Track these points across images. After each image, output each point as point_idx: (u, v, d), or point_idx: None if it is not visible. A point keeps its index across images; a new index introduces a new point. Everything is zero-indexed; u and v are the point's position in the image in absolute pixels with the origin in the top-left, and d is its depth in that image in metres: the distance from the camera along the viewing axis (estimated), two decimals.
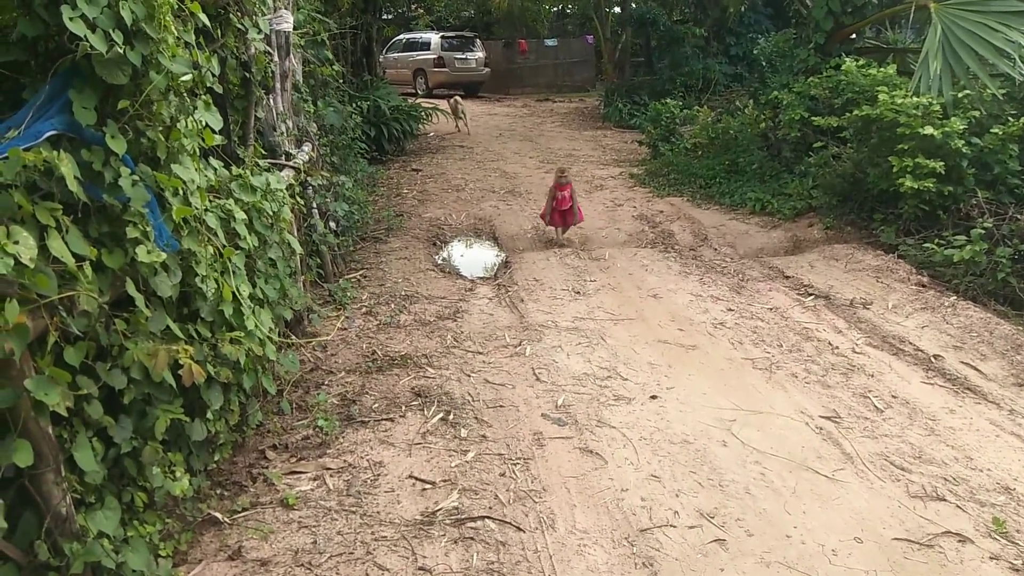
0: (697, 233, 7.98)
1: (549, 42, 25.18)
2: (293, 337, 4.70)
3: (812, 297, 5.88)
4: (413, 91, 20.27)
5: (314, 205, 5.44)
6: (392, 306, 5.70)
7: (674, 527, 3.09)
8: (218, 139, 2.94)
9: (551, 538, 3.03)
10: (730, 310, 5.66)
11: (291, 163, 4.85)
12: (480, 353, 4.91)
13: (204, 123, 2.71)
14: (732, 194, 9.02)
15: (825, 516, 3.16)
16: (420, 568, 2.84)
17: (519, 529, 3.09)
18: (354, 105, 9.07)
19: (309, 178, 5.12)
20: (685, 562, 2.88)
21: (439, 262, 7.14)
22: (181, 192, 2.63)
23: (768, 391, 4.32)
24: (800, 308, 5.68)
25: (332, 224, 6.13)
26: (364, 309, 5.63)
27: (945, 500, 3.27)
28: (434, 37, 21.89)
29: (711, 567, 2.85)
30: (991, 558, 2.92)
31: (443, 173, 10.90)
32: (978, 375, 4.55)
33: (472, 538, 3.03)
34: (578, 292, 6.15)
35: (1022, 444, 3.78)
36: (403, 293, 6.01)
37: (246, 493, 3.27)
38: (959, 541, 3.01)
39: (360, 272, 6.48)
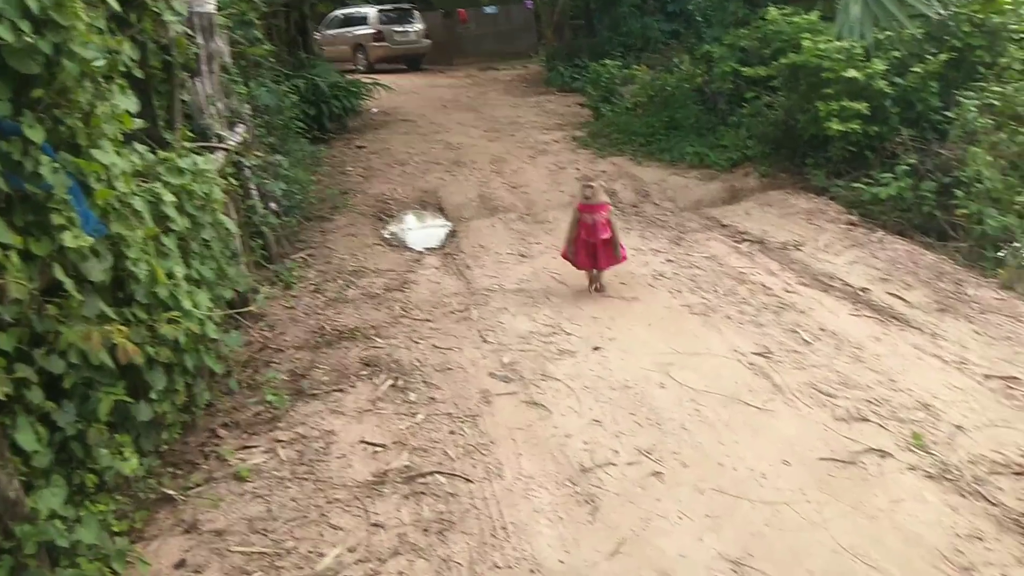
0: (639, 190, 8.12)
1: (489, 10, 24.97)
2: (239, 319, 4.75)
3: (747, 243, 6.08)
4: (354, 67, 19.97)
5: (252, 186, 5.43)
6: (339, 282, 5.74)
7: (614, 465, 3.25)
8: (138, 123, 2.95)
9: (498, 486, 3.17)
10: (669, 261, 5.83)
11: (223, 145, 4.84)
12: (428, 320, 5.01)
13: (122, 108, 2.73)
14: (671, 150, 9.17)
15: (756, 444, 3.34)
16: (373, 524, 2.96)
17: (468, 480, 3.22)
18: (290, 84, 8.97)
19: (243, 159, 5.11)
20: (624, 496, 3.04)
21: (386, 236, 7.17)
22: (105, 177, 2.65)
23: (704, 334, 4.50)
24: (736, 254, 5.87)
25: (273, 205, 6.13)
26: (311, 287, 5.66)
27: (868, 420, 3.49)
28: (371, 11, 21.53)
29: (648, 498, 3.02)
30: (909, 469, 3.13)
31: (387, 148, 10.86)
32: (903, 304, 4.78)
33: (423, 493, 3.15)
34: (523, 255, 6.26)
35: (943, 365, 4.01)
36: (350, 268, 6.06)
37: (199, 470, 3.33)
38: (880, 456, 3.22)
39: (306, 252, 6.48)
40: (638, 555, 2.71)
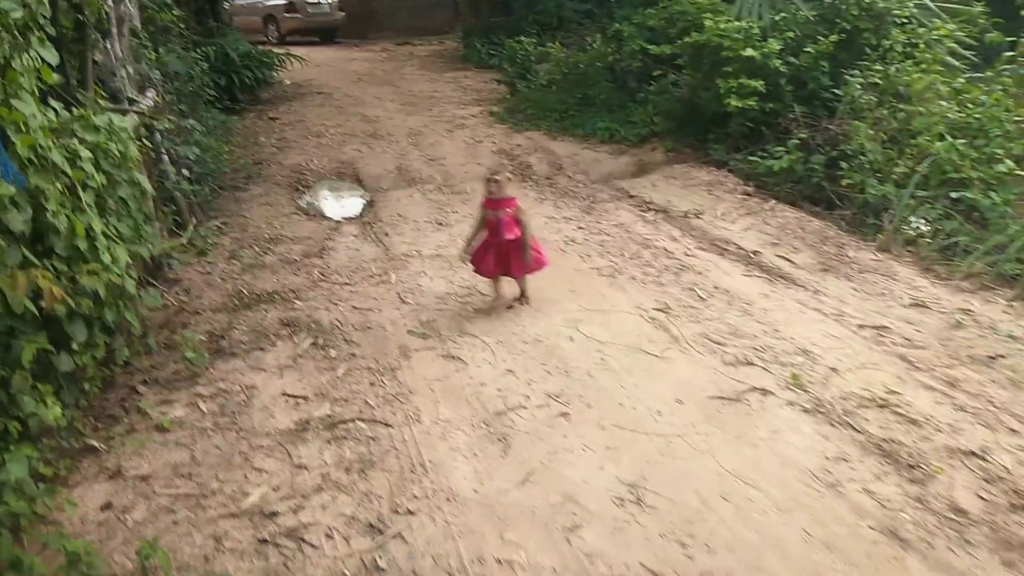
0: (553, 163, 8.38)
1: None
2: (155, 283, 4.75)
3: (652, 212, 6.42)
4: (265, 39, 19.48)
5: (164, 151, 5.39)
6: (256, 249, 5.77)
7: (525, 408, 3.49)
8: (56, 78, 2.97)
9: (417, 429, 3.36)
10: (580, 228, 6.11)
11: (135, 108, 4.80)
12: (347, 284, 5.12)
13: (41, 60, 2.75)
14: (584, 125, 9.46)
15: (653, 386, 3.65)
16: (297, 466, 3.10)
17: (387, 425, 3.39)
18: (200, 52, 8.79)
19: (155, 123, 5.08)
20: (534, 434, 3.29)
21: (303, 206, 7.18)
22: (24, 129, 2.68)
23: (610, 293, 4.79)
24: (642, 222, 6.20)
25: (185, 172, 6.08)
26: (227, 253, 5.67)
27: (753, 364, 3.84)
28: None
29: (556, 434, 3.28)
30: (787, 404, 3.49)
31: (302, 120, 10.76)
32: (790, 265, 5.20)
33: (344, 437, 3.31)
34: (441, 224, 6.42)
35: (822, 317, 4.42)
36: (267, 236, 6.08)
37: (120, 423, 3.40)
38: (762, 394, 3.57)
39: (220, 220, 6.45)
40: (545, 483, 2.96)
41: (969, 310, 4.35)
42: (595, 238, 5.86)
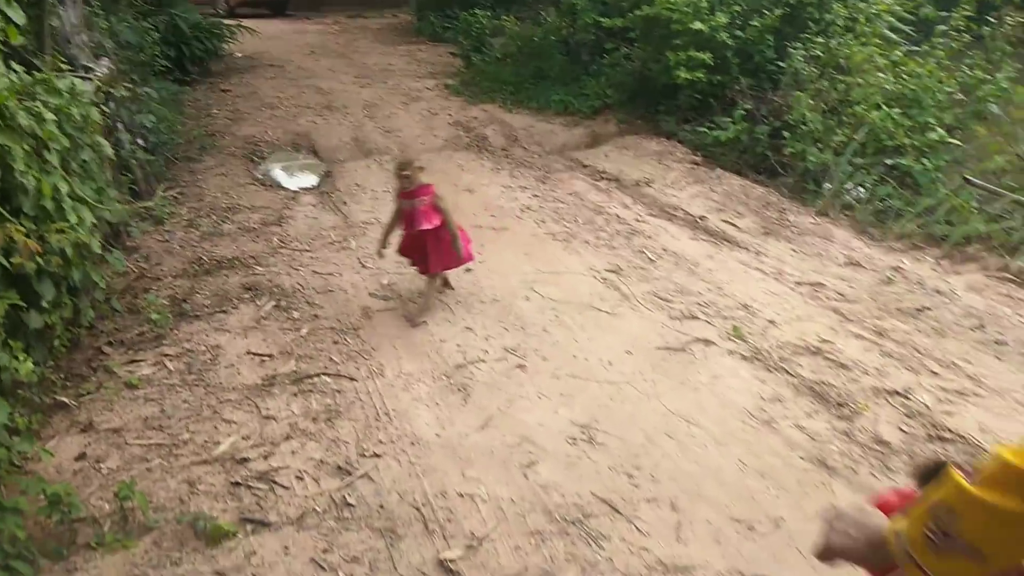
0: (508, 135, 8.51)
1: None
2: (115, 249, 4.78)
3: (605, 181, 6.63)
4: (213, 11, 19.06)
5: (120, 118, 5.39)
6: (213, 217, 5.81)
7: (484, 361, 3.67)
8: (22, 40, 3.01)
9: (381, 382, 3.52)
10: (535, 196, 6.28)
11: (91, 75, 4.79)
12: (307, 250, 5.21)
13: (7, 21, 2.79)
14: (539, 98, 9.60)
15: (604, 340, 3.86)
16: (265, 417, 3.24)
17: (352, 379, 3.54)
18: (149, 21, 8.66)
19: (112, 90, 5.07)
20: (492, 384, 3.48)
21: (259, 176, 7.19)
22: None
23: (565, 256, 4.98)
24: (595, 191, 6.40)
25: (140, 141, 6.06)
26: (184, 222, 5.70)
27: (697, 318, 4.08)
28: None
29: (513, 384, 3.47)
30: (728, 353, 3.74)
31: (255, 92, 10.66)
32: (735, 229, 5.46)
33: (310, 391, 3.45)
34: None
35: (763, 276, 4.68)
36: (224, 206, 6.11)
37: (89, 381, 3.47)
38: (705, 344, 3.81)
39: (176, 190, 6.45)
40: (503, 427, 3.15)
41: (900, 268, 4.66)
42: (550, 206, 6.04)
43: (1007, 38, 6.58)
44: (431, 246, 4.08)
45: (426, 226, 3.98)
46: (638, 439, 3.04)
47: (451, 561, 2.42)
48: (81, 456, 2.94)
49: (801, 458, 2.92)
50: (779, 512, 2.62)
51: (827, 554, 1.25)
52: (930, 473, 1.20)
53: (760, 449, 2.96)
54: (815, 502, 2.65)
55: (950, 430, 3.03)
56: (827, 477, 2.80)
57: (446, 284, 4.44)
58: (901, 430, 3.08)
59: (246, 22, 14.09)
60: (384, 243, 4.21)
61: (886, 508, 1.26)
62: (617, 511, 2.64)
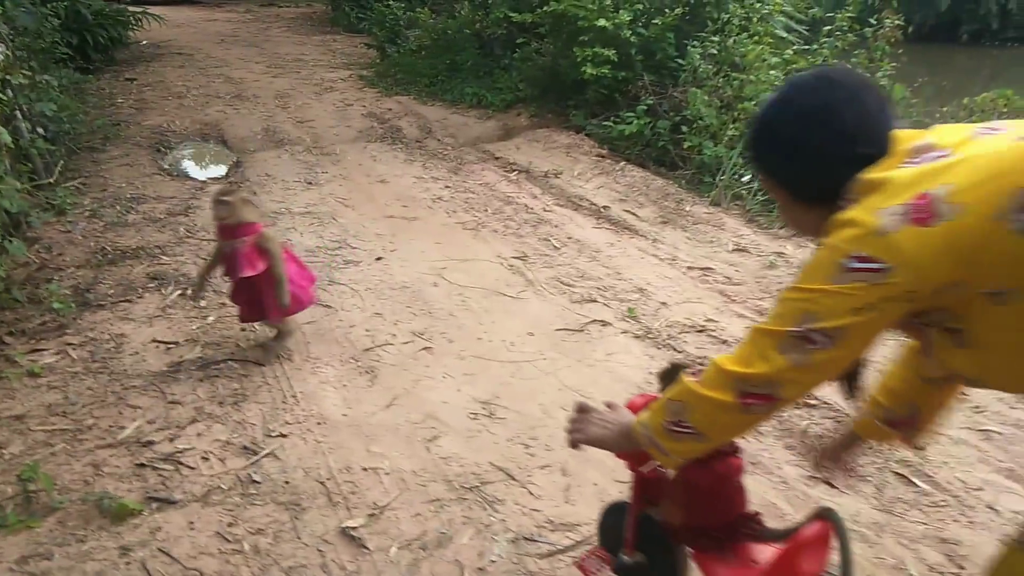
0: (423, 127, 8.60)
1: None
2: (13, 240, 4.67)
3: (516, 172, 6.82)
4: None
5: (17, 106, 5.24)
6: (118, 208, 5.71)
7: (391, 344, 3.80)
8: None
9: (288, 367, 3.60)
10: (447, 187, 6.42)
11: None
12: (215, 240, 5.19)
13: None
14: (453, 91, 9.72)
15: (508, 323, 4.04)
16: (170, 402, 3.28)
17: (259, 364, 3.61)
18: (49, 7, 8.36)
19: (8, 77, 4.94)
20: (399, 366, 3.61)
21: (166, 167, 7.08)
22: None
23: (474, 244, 5.14)
24: (506, 182, 6.58)
25: (40, 130, 5.90)
26: (87, 212, 5.59)
27: (596, 301, 4.31)
28: None
29: (419, 365, 3.61)
30: (622, 333, 3.98)
31: (161, 81, 10.41)
32: (635, 218, 5.73)
33: (217, 376, 3.50)
34: (310, 183, 6.55)
35: (658, 261, 4.95)
36: (128, 196, 6.01)
37: None
38: (602, 325, 4.04)
39: (78, 180, 6.29)
40: (409, 405, 3.29)
41: (783, 253, 5.01)
42: (461, 196, 6.19)
43: (886, 38, 7.09)
44: (266, 292, 3.45)
45: (248, 272, 3.35)
46: (535, 413, 3.23)
47: (353, 529, 2.55)
48: None
49: None
50: None
51: (583, 442, 1.63)
52: (669, 375, 1.59)
53: None
54: None
55: (815, 397, 3.34)
56: None
57: (279, 335, 3.72)
58: None
59: (153, 9, 13.65)
60: (201, 287, 3.71)
61: (634, 408, 1.63)
62: (512, 478, 2.82)
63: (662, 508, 1.77)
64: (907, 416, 1.70)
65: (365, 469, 2.87)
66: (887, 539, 2.54)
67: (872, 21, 7.03)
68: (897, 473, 2.85)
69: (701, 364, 3.50)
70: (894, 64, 6.74)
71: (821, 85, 1.43)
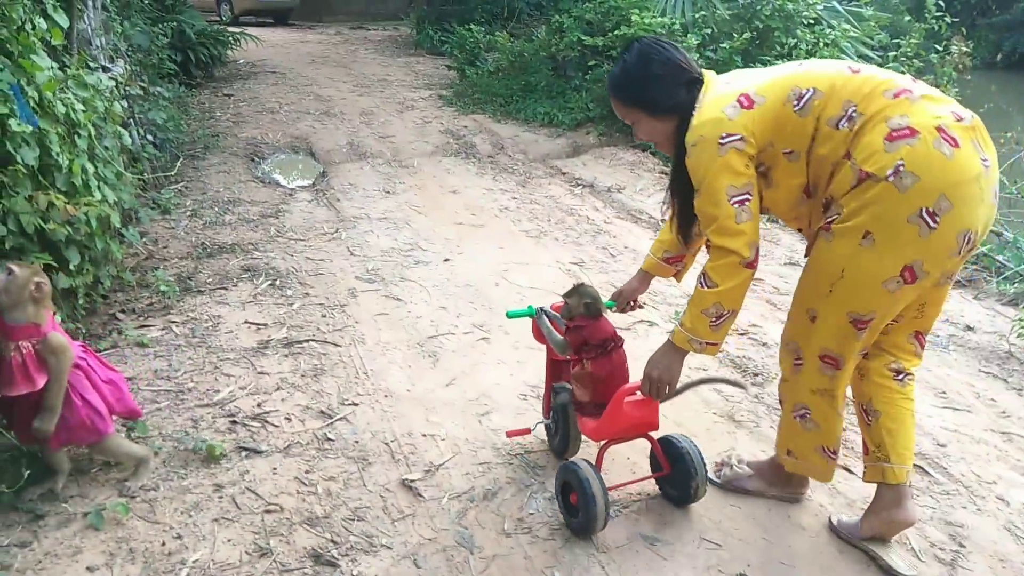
0: (495, 143, 9.05)
1: None
2: (124, 235, 5.28)
3: (580, 187, 7.16)
4: (218, 18, 19.66)
5: (133, 114, 5.90)
6: (216, 209, 6.31)
7: (453, 334, 4.17)
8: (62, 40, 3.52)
9: (362, 348, 4.01)
10: (514, 199, 6.81)
11: (110, 74, 5.31)
12: (301, 240, 5.72)
13: (53, 23, 3.30)
14: (526, 110, 10.16)
15: None
16: (259, 372, 3.72)
17: (337, 345, 4.03)
18: (160, 27, 9.20)
19: (128, 88, 5.59)
20: (459, 352, 3.98)
21: (259, 174, 7.71)
22: (34, 81, 3.24)
23: (534, 250, 5.50)
24: (570, 195, 6.93)
25: (150, 137, 6.57)
26: (189, 212, 6.20)
27: (644, 305, 4.58)
28: None
29: (477, 353, 3.97)
30: (667, 332, 4.21)
31: (256, 97, 11.21)
32: None
33: (299, 353, 3.94)
34: (388, 192, 7.04)
35: None
36: (225, 199, 6.61)
37: (105, 340, 3.96)
38: (649, 325, 4.32)
39: (181, 184, 6.95)
40: (465, 385, 3.65)
41: None
42: (526, 207, 6.56)
43: (952, 64, 7.15)
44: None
45: (21, 389, 2.49)
46: None
47: (411, 481, 2.91)
48: None
49: (714, 413, 3.42)
50: None
51: (669, 391, 2.55)
52: (571, 292, 2.75)
53: (679, 404, 3.44)
54: (719, 446, 3.15)
55: None
56: (733, 428, 3.29)
57: (136, 471, 2.88)
58: None
59: (250, 30, 14.70)
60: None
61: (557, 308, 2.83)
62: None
63: (574, 389, 2.75)
64: (675, 255, 2.92)
65: (424, 435, 3.23)
66: None
67: (938, 48, 7.12)
68: (915, 465, 3.02)
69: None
70: (956, 90, 6.80)
71: (648, 42, 2.39)
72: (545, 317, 2.77)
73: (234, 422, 3.29)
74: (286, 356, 3.90)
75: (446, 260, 5.29)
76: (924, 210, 1.97)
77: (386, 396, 3.53)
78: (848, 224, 2.09)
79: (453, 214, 6.36)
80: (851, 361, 2.31)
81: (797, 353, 2.43)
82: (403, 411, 3.41)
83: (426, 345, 4.04)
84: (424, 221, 6.17)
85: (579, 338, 2.65)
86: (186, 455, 3.04)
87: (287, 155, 8.64)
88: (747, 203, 2.17)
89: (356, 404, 3.45)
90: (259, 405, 3.43)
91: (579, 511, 2.53)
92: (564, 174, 7.66)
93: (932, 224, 1.97)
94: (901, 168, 1.96)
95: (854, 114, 2.07)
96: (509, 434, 3.04)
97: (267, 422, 3.30)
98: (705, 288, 2.28)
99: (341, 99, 11.35)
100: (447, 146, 8.94)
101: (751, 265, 2.23)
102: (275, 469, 2.98)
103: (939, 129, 1.97)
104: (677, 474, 2.70)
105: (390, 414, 3.39)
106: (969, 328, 4.40)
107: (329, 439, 3.18)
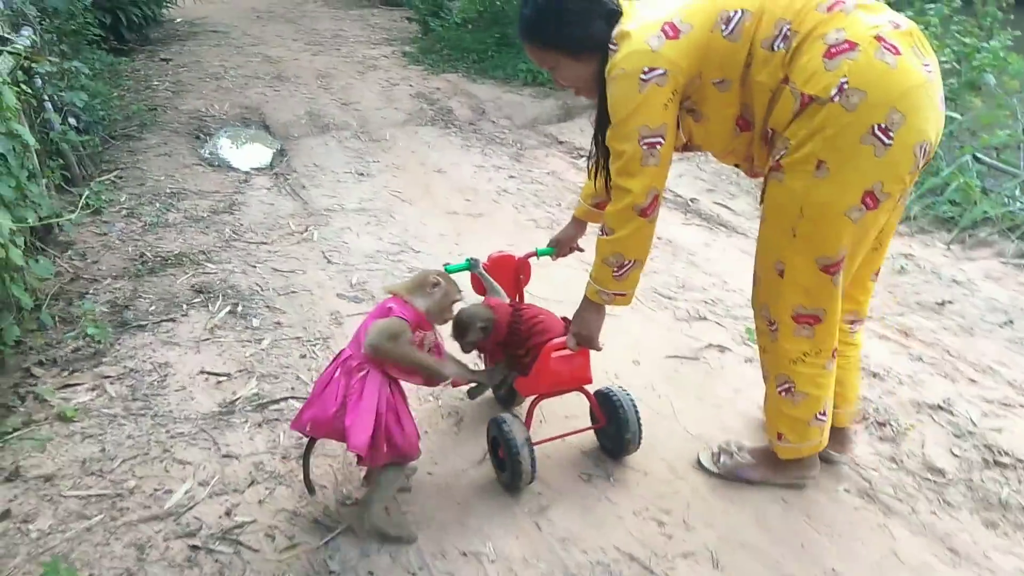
0: (475, 108, 8.01)
1: None
2: (45, 248, 4.22)
3: (584, 159, 6.18)
4: None
5: (46, 97, 4.76)
6: (157, 205, 5.23)
7: None
8: None
9: None
10: (512, 177, 5.84)
11: (8, 48, 4.17)
12: (264, 243, 4.71)
13: None
14: (505, 67, 9.09)
15: (607, 344, 3.46)
16: (224, 456, 2.77)
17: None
18: None
19: (35, 65, 4.45)
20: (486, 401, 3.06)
21: (206, 156, 6.58)
22: None
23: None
24: (575, 170, 5.98)
25: (72, 120, 5.43)
26: (125, 211, 5.12)
27: (706, 319, 3.72)
28: None
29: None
30: (746, 361, 3.38)
31: (198, 61, 9.91)
32: (729, 212, 5.10)
33: (276, 419, 2.99)
34: (362, 174, 6.01)
35: None
36: (168, 191, 5.53)
37: (16, 414, 2.96)
38: (720, 351, 3.45)
39: (114, 173, 5.82)
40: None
41: (910, 255, 4.36)
42: (528, 188, 5.60)
43: (997, 3, 6.29)
44: None
45: None
46: (662, 472, 2.66)
47: None
48: (5, 515, 2.45)
49: (847, 491, 2.57)
50: (832, 564, 2.27)
51: (590, 343, 2.47)
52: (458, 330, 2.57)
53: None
54: (873, 551, 2.31)
55: (1006, 452, 2.72)
56: (882, 517, 2.45)
57: None
58: (953, 454, 2.75)
59: None
60: None
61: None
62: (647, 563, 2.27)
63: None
64: (604, 201, 2.37)
65: (464, 553, 2.33)
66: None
67: None
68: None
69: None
70: (1015, 33, 5.94)
71: None
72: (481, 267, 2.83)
73: (195, 548, 2.35)
74: (259, 426, 2.94)
75: (445, 265, 4.33)
76: (876, 127, 1.82)
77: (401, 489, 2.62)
78: (797, 156, 1.92)
79: (444, 201, 5.37)
80: (833, 313, 2.15)
81: (769, 318, 2.27)
82: (430, 511, 2.51)
83: (442, 396, 3.13)
84: (410, 212, 5.19)
85: (496, 346, 2.61)
86: None
87: (237, 130, 7.48)
88: (658, 147, 2.01)
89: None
90: (228, 513, 2.49)
91: (506, 466, 2.47)
92: (561, 143, 6.69)
93: (887, 141, 1.83)
94: (845, 86, 1.81)
95: (788, 33, 1.89)
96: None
97: (240, 544, 2.36)
98: (603, 235, 2.19)
99: (293, 60, 10.12)
100: (421, 113, 7.87)
101: (644, 213, 2.09)
102: None
103: (878, 38, 1.82)
104: (612, 427, 2.66)
105: (410, 516, 2.48)
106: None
107: (331, 571, 2.27)
